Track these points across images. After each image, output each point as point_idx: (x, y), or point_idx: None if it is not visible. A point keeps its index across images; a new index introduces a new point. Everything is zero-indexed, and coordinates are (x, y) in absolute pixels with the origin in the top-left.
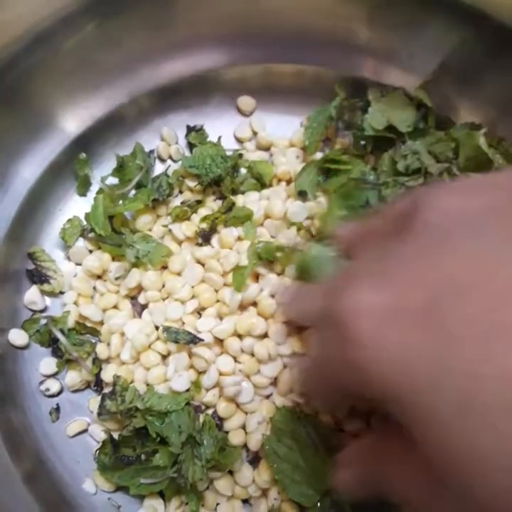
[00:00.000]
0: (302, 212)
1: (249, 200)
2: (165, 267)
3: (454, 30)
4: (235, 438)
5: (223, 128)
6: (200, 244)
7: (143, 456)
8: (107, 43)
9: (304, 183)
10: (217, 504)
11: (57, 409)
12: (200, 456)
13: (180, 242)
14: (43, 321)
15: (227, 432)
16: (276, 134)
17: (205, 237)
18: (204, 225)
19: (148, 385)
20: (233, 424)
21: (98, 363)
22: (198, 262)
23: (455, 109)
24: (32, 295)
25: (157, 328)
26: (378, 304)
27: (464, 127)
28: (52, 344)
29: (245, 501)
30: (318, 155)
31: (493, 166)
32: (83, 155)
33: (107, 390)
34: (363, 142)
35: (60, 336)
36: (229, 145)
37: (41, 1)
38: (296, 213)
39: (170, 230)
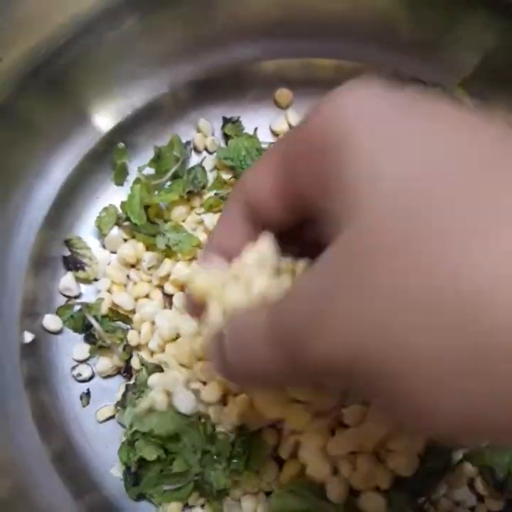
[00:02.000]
0: None
1: None
2: (195, 258)
3: (495, 28)
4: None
5: (260, 120)
6: None
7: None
8: (149, 34)
9: None
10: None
11: (88, 394)
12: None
13: (210, 233)
14: (77, 308)
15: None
16: None
17: None
18: None
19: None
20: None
21: (128, 349)
22: None
23: (491, 107)
24: (67, 281)
25: None
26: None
27: None
28: (85, 330)
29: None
30: None
31: None
32: (121, 144)
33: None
34: None
35: (94, 322)
36: (265, 138)
37: None
38: None
39: (202, 220)
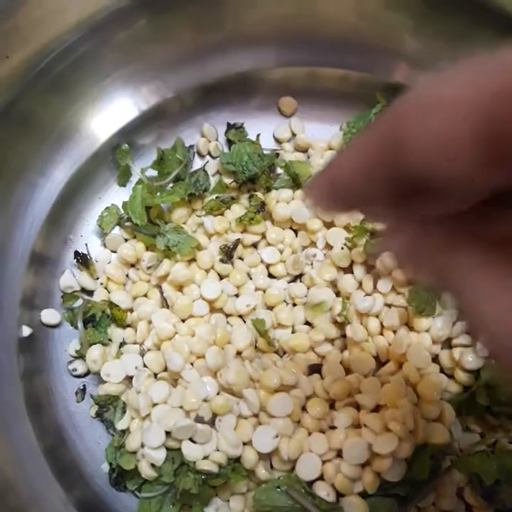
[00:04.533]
0: (305, 214)
1: (282, 197)
2: (194, 260)
3: (499, 41)
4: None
5: (263, 127)
6: (223, 261)
7: None
8: (157, 38)
9: None
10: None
11: (84, 390)
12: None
13: (210, 236)
14: (80, 301)
15: None
16: (314, 136)
17: (228, 254)
18: (232, 238)
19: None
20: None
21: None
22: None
23: None
24: (67, 279)
25: (183, 320)
26: None
27: None
28: (84, 325)
29: None
30: None
31: None
32: (125, 146)
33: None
34: None
35: (80, 325)
36: (267, 145)
37: None
38: (298, 215)
39: (202, 223)
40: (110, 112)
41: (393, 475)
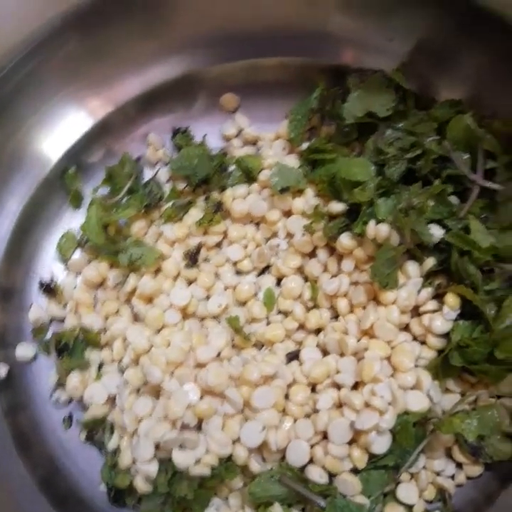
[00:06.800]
0: (263, 207)
1: (238, 194)
2: (160, 270)
3: (429, 10)
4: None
5: (209, 127)
6: (189, 266)
7: None
8: (92, 54)
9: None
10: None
11: (70, 417)
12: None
13: (172, 243)
14: (51, 333)
15: None
16: (262, 128)
17: (192, 258)
18: (194, 242)
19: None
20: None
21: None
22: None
23: (435, 88)
24: (36, 313)
25: (158, 331)
26: None
27: (444, 105)
28: (58, 355)
29: None
30: (305, 145)
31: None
32: (72, 169)
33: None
34: (346, 129)
35: (54, 357)
36: (217, 143)
37: (28, 15)
38: (256, 208)
39: (162, 232)
40: (56, 134)
41: (379, 448)
